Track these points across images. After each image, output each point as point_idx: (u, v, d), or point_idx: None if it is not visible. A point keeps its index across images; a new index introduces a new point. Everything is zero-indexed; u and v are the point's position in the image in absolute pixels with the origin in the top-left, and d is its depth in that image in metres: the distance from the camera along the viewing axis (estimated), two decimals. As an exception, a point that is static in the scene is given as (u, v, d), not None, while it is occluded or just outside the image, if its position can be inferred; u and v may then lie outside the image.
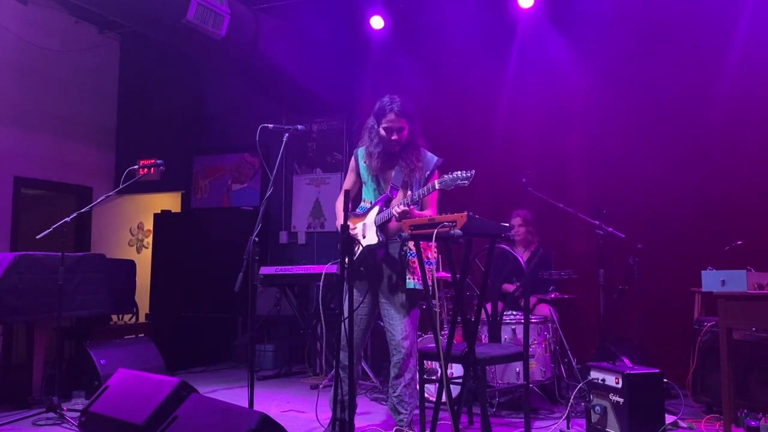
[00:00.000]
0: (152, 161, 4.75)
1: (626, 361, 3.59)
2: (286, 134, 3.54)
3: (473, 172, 3.03)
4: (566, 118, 5.71)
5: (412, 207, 3.24)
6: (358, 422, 3.62)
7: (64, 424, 3.95)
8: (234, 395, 4.91)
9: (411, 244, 3.39)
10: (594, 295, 4.54)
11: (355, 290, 3.36)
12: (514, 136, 5.86)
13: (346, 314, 3.22)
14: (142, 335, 5.58)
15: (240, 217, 6.68)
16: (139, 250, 7.99)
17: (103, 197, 4.94)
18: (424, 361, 3.88)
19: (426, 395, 3.77)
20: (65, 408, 4.15)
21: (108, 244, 7.55)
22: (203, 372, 6.07)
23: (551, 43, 5.74)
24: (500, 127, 5.91)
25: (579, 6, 5.56)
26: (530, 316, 4.06)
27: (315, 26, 6.26)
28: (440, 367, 3.15)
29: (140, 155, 6.03)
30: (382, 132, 3.45)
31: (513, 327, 4.30)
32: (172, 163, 5.72)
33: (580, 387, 3.78)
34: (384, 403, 4.37)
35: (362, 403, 4.31)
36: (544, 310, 4.68)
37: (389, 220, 3.32)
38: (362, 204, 3.60)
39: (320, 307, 3.66)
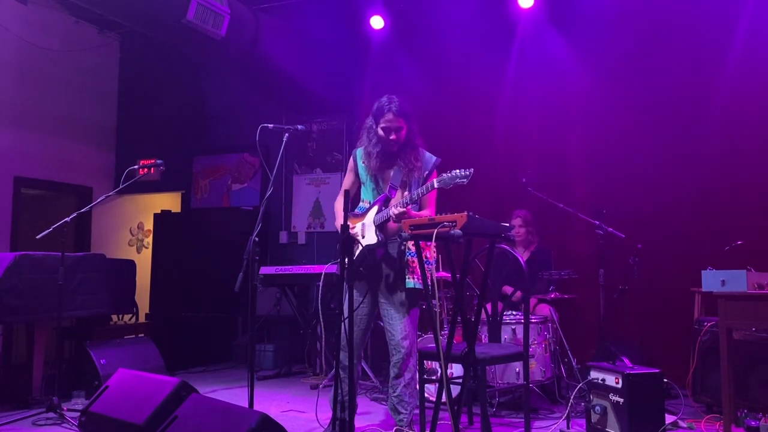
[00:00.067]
0: (152, 161, 4.75)
1: (626, 361, 3.59)
2: (286, 134, 3.54)
3: (472, 170, 3.03)
4: (566, 118, 5.71)
5: (408, 207, 3.24)
6: (358, 422, 3.62)
7: (64, 424, 3.95)
8: (234, 395, 4.91)
9: (410, 243, 3.39)
10: (594, 295, 4.55)
11: (354, 290, 3.36)
12: (514, 136, 5.86)
13: (346, 314, 3.22)
14: (142, 335, 5.58)
15: (240, 217, 6.68)
16: (139, 250, 7.99)
17: (103, 197, 4.94)
18: (424, 361, 3.87)
19: (426, 395, 3.77)
20: (65, 408, 4.15)
21: (108, 244, 7.55)
22: (203, 372, 6.07)
23: (551, 43, 5.74)
24: (500, 127, 5.91)
25: (579, 6, 5.57)
26: (530, 316, 4.06)
27: (315, 26, 6.26)
28: (440, 367, 3.15)
29: (140, 155, 6.05)
30: (381, 132, 3.45)
31: (513, 327, 4.30)
32: (172, 163, 5.72)
33: (580, 387, 3.78)
34: (384, 403, 4.38)
35: (362, 403, 4.31)
36: (544, 310, 4.68)
37: (388, 220, 3.33)
38: (361, 204, 3.60)
39: (319, 307, 3.66)
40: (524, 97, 5.85)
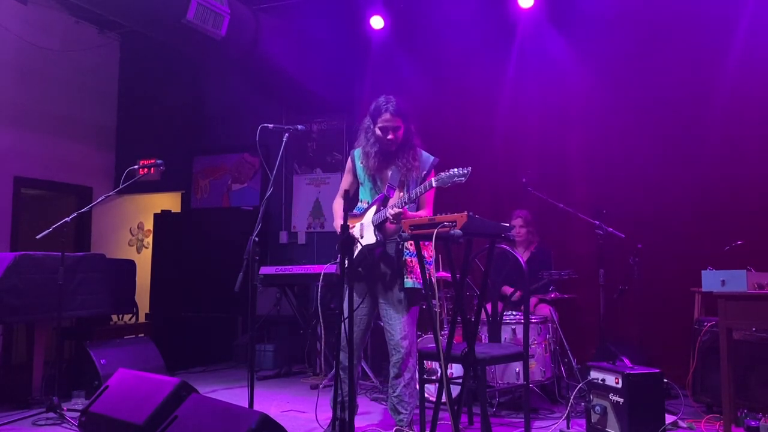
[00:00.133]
0: (152, 161, 4.75)
1: (626, 361, 3.59)
2: (286, 134, 3.54)
3: (470, 169, 3.04)
4: (566, 118, 5.71)
5: (405, 208, 3.25)
6: (358, 422, 3.62)
7: (64, 424, 3.95)
8: (234, 395, 4.91)
9: (408, 243, 3.40)
10: (594, 295, 4.55)
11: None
12: (514, 136, 5.86)
13: (345, 314, 3.22)
14: (142, 335, 5.58)
15: (240, 217, 6.68)
16: (139, 250, 7.99)
17: (103, 197, 4.94)
18: (424, 361, 3.88)
19: (426, 395, 3.77)
20: (65, 408, 4.15)
21: (108, 244, 7.55)
22: (203, 372, 6.07)
23: (551, 43, 5.74)
24: (500, 127, 5.91)
25: (579, 6, 5.57)
26: (530, 316, 4.06)
27: (315, 26, 6.26)
28: (440, 367, 3.15)
29: (140, 155, 6.04)
30: (378, 132, 3.46)
31: (513, 327, 4.30)
32: (172, 163, 5.72)
33: (580, 387, 3.78)
34: (384, 403, 4.38)
35: (362, 403, 4.31)
36: (544, 310, 4.68)
37: (386, 220, 3.33)
38: (359, 204, 3.60)
39: (319, 308, 3.66)
40: (524, 97, 5.85)
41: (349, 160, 3.69)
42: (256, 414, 2.66)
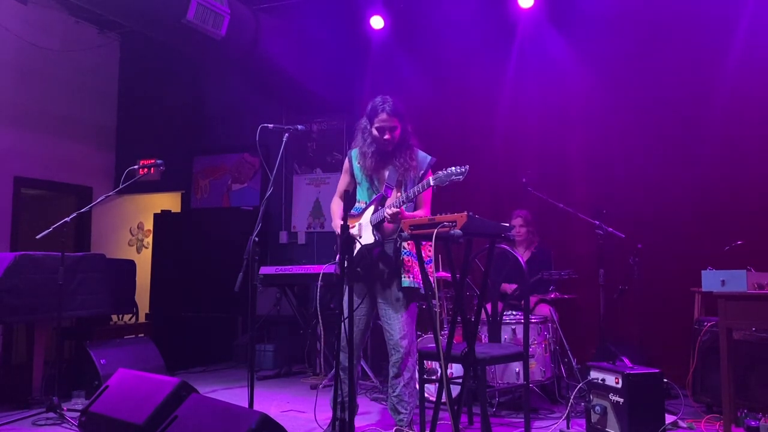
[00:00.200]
0: (152, 161, 4.75)
1: (626, 361, 3.59)
2: (286, 134, 3.54)
3: (467, 167, 3.04)
4: (566, 118, 5.71)
5: (402, 207, 3.26)
6: (358, 422, 3.62)
7: (64, 424, 3.95)
8: (234, 395, 4.91)
9: (405, 242, 3.40)
10: (594, 295, 4.55)
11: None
12: (514, 136, 5.86)
13: (345, 315, 3.23)
14: (142, 335, 5.58)
15: (240, 217, 6.68)
16: (139, 250, 7.99)
17: (103, 197, 4.94)
18: (424, 361, 3.88)
19: (426, 395, 3.77)
20: (65, 408, 4.15)
21: (108, 244, 7.55)
22: (203, 372, 6.07)
23: (551, 43, 5.74)
24: (500, 127, 5.91)
25: (579, 6, 5.57)
26: (530, 316, 4.06)
27: (315, 26, 6.26)
28: (440, 367, 3.15)
29: (140, 155, 6.03)
30: (375, 132, 3.47)
31: (513, 327, 4.30)
32: (172, 163, 5.72)
33: (580, 387, 3.78)
34: (384, 403, 4.38)
35: (362, 403, 4.31)
36: (544, 310, 4.68)
37: (384, 220, 3.34)
38: (357, 204, 3.61)
39: (318, 308, 3.67)
40: (524, 97, 5.85)
41: (347, 160, 3.69)
42: (256, 414, 2.66)
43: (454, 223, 2.87)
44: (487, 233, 3.15)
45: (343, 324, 3.24)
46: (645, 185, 5.34)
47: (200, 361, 6.33)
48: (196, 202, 7.52)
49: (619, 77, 5.53)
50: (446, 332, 3.46)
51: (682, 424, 3.73)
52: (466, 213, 2.86)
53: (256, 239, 3.24)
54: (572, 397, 3.80)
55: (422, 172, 3.50)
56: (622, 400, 3.36)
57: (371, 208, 3.47)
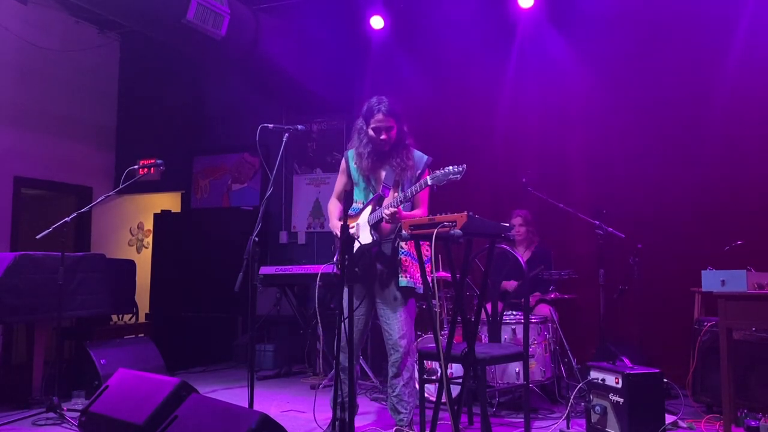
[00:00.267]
0: (152, 161, 4.75)
1: (626, 361, 3.59)
2: (286, 134, 3.54)
3: (464, 166, 3.05)
4: (566, 118, 5.71)
5: (399, 207, 3.26)
6: (358, 422, 3.62)
7: (64, 424, 3.95)
8: (234, 395, 4.91)
9: (403, 242, 3.41)
10: (594, 295, 4.55)
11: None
12: (514, 136, 5.86)
13: (345, 315, 3.23)
14: (142, 335, 5.58)
15: (240, 217, 6.68)
16: (139, 250, 7.99)
17: (103, 197, 4.94)
18: (424, 361, 3.88)
19: (426, 395, 3.77)
20: (65, 408, 4.16)
21: (108, 244, 7.55)
22: (203, 372, 6.07)
23: (551, 43, 5.74)
24: (500, 127, 5.91)
25: (579, 6, 5.57)
26: (530, 316, 4.06)
27: (315, 26, 6.26)
28: (440, 367, 3.15)
29: (140, 155, 6.03)
30: (371, 132, 3.48)
31: (513, 327, 4.30)
32: (172, 163, 5.72)
33: (580, 387, 3.78)
34: (384, 403, 4.37)
35: (362, 403, 4.31)
36: (544, 310, 4.68)
37: (381, 220, 3.35)
38: (354, 205, 3.61)
39: (317, 308, 3.67)
40: (524, 97, 5.85)
41: (343, 161, 3.70)
42: (256, 414, 2.66)
43: (454, 223, 2.87)
44: (487, 233, 3.15)
45: (342, 324, 3.24)
46: (645, 185, 5.34)
47: (200, 361, 6.33)
48: (196, 202, 7.52)
49: (619, 77, 5.53)
50: (446, 332, 3.46)
51: (682, 424, 3.73)
52: (466, 213, 2.86)
53: (256, 239, 3.24)
54: (572, 397, 3.80)
55: (419, 171, 3.51)
56: (622, 400, 3.36)
57: (368, 208, 3.48)
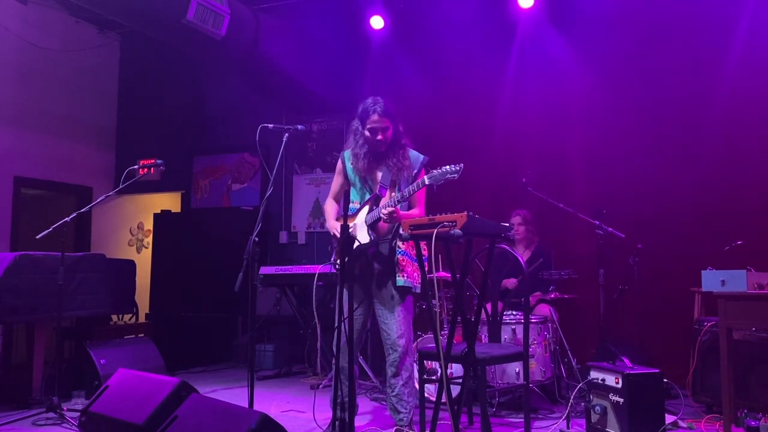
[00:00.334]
0: (152, 161, 4.75)
1: (626, 361, 3.59)
2: (286, 134, 3.54)
3: (462, 165, 3.06)
4: (566, 118, 5.71)
5: (397, 207, 3.27)
6: (358, 422, 3.62)
7: (64, 424, 3.95)
8: (234, 395, 4.91)
9: (400, 242, 3.42)
10: (594, 295, 4.54)
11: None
12: (514, 136, 5.86)
13: (344, 315, 3.22)
14: (142, 335, 5.58)
15: (240, 217, 6.68)
16: (139, 250, 7.99)
17: (103, 197, 4.94)
18: (424, 361, 3.88)
19: (426, 395, 3.77)
20: (65, 408, 4.15)
21: (108, 244, 7.55)
22: (203, 372, 6.07)
23: (551, 43, 5.74)
24: (500, 127, 5.91)
25: (579, 6, 5.56)
26: (530, 316, 4.06)
27: (315, 26, 6.26)
28: (440, 367, 3.15)
29: (140, 155, 6.03)
30: (367, 133, 3.50)
31: (513, 327, 4.30)
32: (172, 163, 5.72)
33: (580, 387, 3.78)
34: (384, 403, 4.37)
35: (362, 403, 4.31)
36: (544, 310, 4.68)
37: (379, 220, 3.35)
38: (351, 205, 3.60)
39: (314, 308, 3.68)
40: (524, 97, 5.85)
41: (339, 161, 3.71)
42: (256, 414, 2.66)
43: (454, 223, 2.87)
44: (487, 233, 3.15)
45: (343, 324, 3.24)
46: (645, 185, 5.34)
47: (200, 361, 6.33)
48: (196, 202, 7.52)
49: (619, 77, 5.53)
50: (446, 332, 3.46)
51: (682, 424, 3.73)
52: (466, 213, 2.87)
53: (256, 239, 3.24)
54: (572, 397, 3.80)
55: (416, 171, 3.53)
56: (622, 400, 3.36)
57: (365, 208, 3.49)
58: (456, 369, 3.99)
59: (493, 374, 4.19)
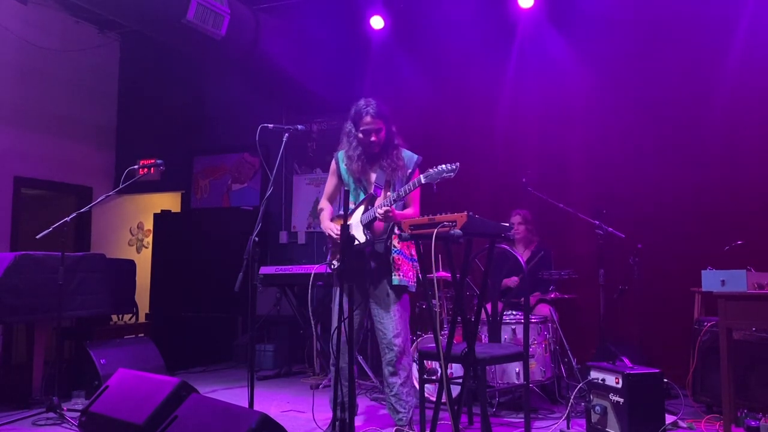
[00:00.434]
0: (152, 161, 4.75)
1: (626, 361, 3.59)
2: (286, 134, 3.55)
3: (458, 164, 3.07)
4: (566, 118, 5.71)
5: (392, 206, 3.27)
6: (358, 422, 3.62)
7: (64, 424, 3.95)
8: (234, 395, 4.91)
9: (395, 241, 3.43)
10: (594, 295, 4.54)
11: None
12: (514, 136, 5.86)
13: (343, 315, 3.22)
14: (142, 335, 5.59)
15: (240, 217, 6.68)
16: (139, 250, 7.99)
17: (103, 197, 4.94)
18: (424, 361, 3.88)
19: (426, 395, 3.77)
20: (65, 408, 4.16)
21: (108, 244, 7.55)
22: (203, 372, 6.07)
23: (551, 43, 5.74)
24: (500, 127, 5.91)
25: (579, 6, 5.57)
26: (530, 316, 4.06)
27: (315, 26, 6.26)
28: (440, 367, 3.15)
29: (140, 155, 6.02)
30: (361, 135, 3.51)
31: (513, 327, 4.30)
32: (172, 163, 5.72)
33: (580, 387, 3.78)
34: (384, 402, 4.37)
35: (362, 403, 4.31)
36: (544, 310, 4.68)
37: (375, 219, 3.36)
38: None
39: (310, 308, 3.68)
40: (524, 97, 5.85)
41: (333, 162, 3.72)
42: (256, 414, 2.66)
43: (454, 223, 2.87)
44: (487, 233, 3.15)
45: (343, 324, 3.23)
46: (645, 185, 5.34)
47: (200, 361, 6.33)
48: (196, 202, 7.52)
49: (619, 77, 5.53)
50: (446, 332, 3.46)
51: (682, 424, 3.73)
52: (466, 213, 2.87)
53: (256, 239, 3.24)
54: (572, 397, 3.80)
55: (410, 171, 3.54)
56: (622, 400, 3.36)
57: (361, 208, 3.50)
58: (456, 369, 3.99)
59: (493, 374, 4.18)
